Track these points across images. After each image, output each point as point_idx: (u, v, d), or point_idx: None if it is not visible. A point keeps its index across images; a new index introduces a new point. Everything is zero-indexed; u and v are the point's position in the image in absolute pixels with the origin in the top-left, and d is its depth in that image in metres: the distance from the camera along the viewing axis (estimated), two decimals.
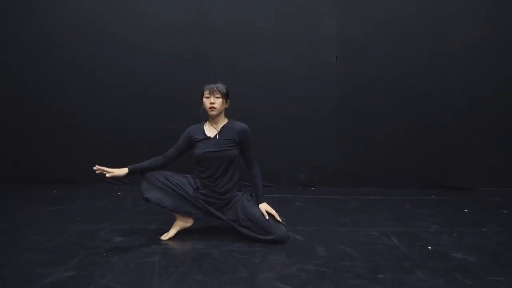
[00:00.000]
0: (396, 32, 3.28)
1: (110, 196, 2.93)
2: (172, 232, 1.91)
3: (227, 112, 1.96)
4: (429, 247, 1.74)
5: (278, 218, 1.82)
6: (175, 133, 1.99)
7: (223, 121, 1.91)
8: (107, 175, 1.74)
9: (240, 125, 1.88)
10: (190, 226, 1.96)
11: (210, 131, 1.88)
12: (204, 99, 1.86)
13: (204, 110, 1.88)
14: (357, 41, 3.30)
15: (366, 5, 3.29)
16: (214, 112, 1.84)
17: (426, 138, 3.32)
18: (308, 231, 2.00)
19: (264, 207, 1.84)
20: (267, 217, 1.79)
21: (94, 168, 1.73)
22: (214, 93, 1.83)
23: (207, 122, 1.92)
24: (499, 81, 3.26)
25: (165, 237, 1.88)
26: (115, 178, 1.87)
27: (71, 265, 1.51)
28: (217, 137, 1.85)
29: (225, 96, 1.88)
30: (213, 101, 1.82)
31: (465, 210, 2.54)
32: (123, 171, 1.79)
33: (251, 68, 3.33)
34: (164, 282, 1.36)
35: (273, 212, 1.82)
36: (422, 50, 3.28)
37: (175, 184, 1.83)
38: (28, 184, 3.29)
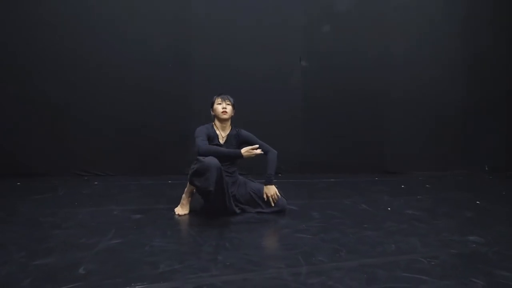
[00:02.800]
0: (354, 36, 3.92)
1: (90, 186, 2.92)
2: (186, 208, 2.13)
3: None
4: (389, 208, 2.35)
5: (278, 195, 2.16)
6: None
7: (229, 128, 2.23)
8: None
9: (242, 132, 2.23)
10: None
11: (220, 137, 2.19)
12: (216, 105, 2.17)
13: (215, 116, 2.17)
14: (321, 44, 3.86)
15: (329, 6, 3.88)
16: (226, 116, 2.15)
17: (369, 132, 4.06)
18: (298, 204, 2.44)
19: (266, 190, 2.13)
20: (265, 199, 2.12)
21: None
22: (226, 100, 2.17)
23: (215, 125, 2.21)
24: (432, 72, 4.12)
25: (181, 211, 2.10)
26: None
27: (112, 235, 1.66)
28: (224, 145, 2.17)
29: (234, 105, 2.23)
30: (225, 107, 2.15)
31: (402, 186, 3.31)
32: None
33: (226, 65, 3.64)
34: (207, 239, 1.64)
35: (274, 196, 2.12)
36: (370, 51, 3.96)
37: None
38: None
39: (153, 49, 3.48)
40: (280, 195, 2.21)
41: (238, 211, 2.10)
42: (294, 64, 3.86)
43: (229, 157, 2.10)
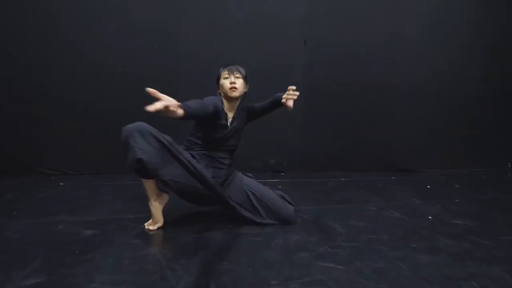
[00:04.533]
0: (359, 28, 3.38)
1: (52, 187, 2.32)
2: (159, 218, 1.54)
3: None
4: (429, 217, 1.79)
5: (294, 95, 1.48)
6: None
7: (236, 109, 1.65)
8: (159, 105, 1.10)
9: (245, 107, 1.69)
10: (166, 203, 1.58)
11: (228, 117, 1.63)
12: (223, 80, 1.59)
13: (224, 94, 1.59)
14: (325, 39, 3.32)
15: (332, 4, 3.34)
16: (235, 93, 1.57)
17: (381, 126, 3.53)
18: (311, 210, 1.87)
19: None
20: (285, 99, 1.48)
21: (149, 89, 1.10)
22: (235, 72, 1.58)
23: (224, 105, 1.61)
24: (441, 69, 3.63)
25: (152, 226, 1.51)
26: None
27: (32, 269, 1.06)
28: (229, 126, 1.62)
29: (246, 78, 1.64)
30: (234, 81, 1.56)
31: (428, 186, 2.77)
32: (178, 112, 1.19)
33: (223, 58, 3.05)
34: (182, 275, 1.05)
35: (292, 91, 1.49)
36: (378, 45, 3.43)
37: (177, 151, 1.41)
38: None
39: (136, 30, 2.88)
40: (285, 199, 1.66)
41: (232, 203, 1.57)
42: (295, 53, 3.28)
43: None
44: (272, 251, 1.27)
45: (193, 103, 1.32)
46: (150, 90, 1.09)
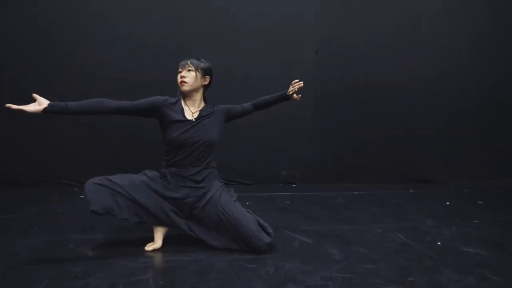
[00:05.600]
0: (375, 32, 3.27)
1: (70, 200, 2.48)
2: (158, 241, 1.60)
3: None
4: (438, 243, 1.70)
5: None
6: None
7: (200, 104, 1.64)
8: (13, 107, 1.32)
9: (221, 107, 1.70)
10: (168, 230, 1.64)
11: (187, 113, 1.60)
12: (178, 75, 1.60)
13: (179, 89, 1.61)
14: (337, 40, 3.25)
15: (345, 5, 3.25)
16: (185, 88, 1.57)
17: (400, 135, 3.39)
18: (312, 231, 1.85)
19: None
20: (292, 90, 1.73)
21: (6, 105, 1.32)
22: (186, 66, 1.58)
23: (182, 100, 1.63)
24: (469, 77, 3.43)
25: (150, 247, 1.57)
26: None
27: None
28: (194, 120, 1.58)
29: (203, 71, 1.60)
30: (184, 75, 1.56)
31: (447, 203, 2.62)
32: (40, 106, 1.36)
33: (233, 63, 3.10)
34: None
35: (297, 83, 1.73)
36: (400, 49, 3.31)
37: (130, 186, 1.50)
38: None
39: (149, 43, 2.98)
40: (263, 227, 1.55)
41: (184, 227, 1.56)
42: (306, 62, 3.22)
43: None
44: (261, 281, 1.26)
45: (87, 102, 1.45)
46: (10, 105, 1.31)
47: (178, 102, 1.61)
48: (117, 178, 1.50)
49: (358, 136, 3.35)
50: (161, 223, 1.57)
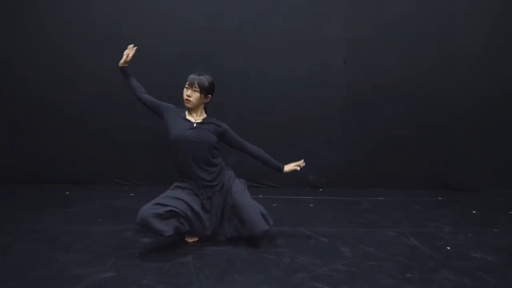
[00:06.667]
0: (402, 34, 3.32)
1: (124, 197, 2.94)
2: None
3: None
4: (448, 247, 1.82)
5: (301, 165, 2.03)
6: None
7: (201, 116, 1.93)
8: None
9: (223, 125, 1.92)
10: None
11: (190, 119, 1.90)
12: (184, 88, 1.87)
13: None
14: (364, 42, 3.33)
15: (373, 7, 3.33)
16: (188, 105, 1.85)
17: (431, 139, 3.38)
18: (329, 232, 2.06)
19: (287, 168, 2.00)
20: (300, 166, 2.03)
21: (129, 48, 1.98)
22: (193, 86, 1.83)
23: (187, 111, 1.93)
24: (505, 83, 3.33)
25: (191, 239, 1.92)
26: None
27: (108, 266, 1.55)
28: (195, 126, 1.86)
29: (206, 91, 1.86)
30: (190, 94, 1.83)
31: (473, 211, 2.64)
32: (124, 62, 1.97)
33: (260, 69, 3.34)
34: (203, 282, 1.41)
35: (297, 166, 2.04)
36: (428, 52, 3.31)
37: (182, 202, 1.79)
38: (31, 184, 3.22)
39: (183, 57, 3.31)
40: (265, 217, 1.80)
41: (208, 232, 1.85)
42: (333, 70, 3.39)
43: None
44: (277, 268, 1.54)
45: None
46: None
47: (183, 110, 1.94)
48: (164, 200, 1.75)
49: (387, 141, 3.37)
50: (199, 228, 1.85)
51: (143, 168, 3.45)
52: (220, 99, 3.30)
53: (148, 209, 1.68)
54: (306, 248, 1.80)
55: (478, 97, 3.35)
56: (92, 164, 3.40)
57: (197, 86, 1.83)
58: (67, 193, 3.03)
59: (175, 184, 1.91)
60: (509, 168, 3.35)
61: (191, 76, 1.86)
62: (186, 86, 1.87)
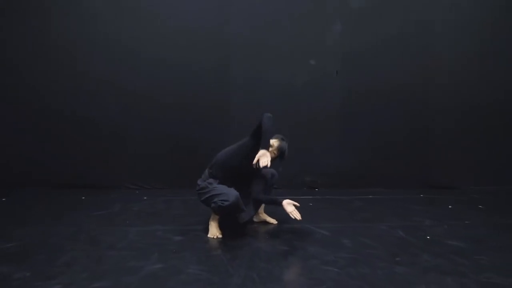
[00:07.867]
0: (395, 43, 3.75)
1: (139, 201, 3.20)
2: (217, 231, 2.27)
3: None
4: (428, 237, 2.23)
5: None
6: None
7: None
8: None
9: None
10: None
11: None
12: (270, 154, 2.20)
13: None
14: (359, 53, 3.74)
15: (368, 20, 3.75)
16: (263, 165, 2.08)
17: (414, 144, 3.84)
18: (331, 227, 2.44)
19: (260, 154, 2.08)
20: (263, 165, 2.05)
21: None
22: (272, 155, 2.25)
23: None
24: (480, 92, 3.81)
25: (213, 235, 2.25)
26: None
27: (155, 260, 1.86)
28: None
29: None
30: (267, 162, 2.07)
31: (449, 207, 3.09)
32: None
33: (259, 75, 3.72)
34: (238, 269, 1.75)
35: (262, 162, 2.04)
36: (416, 60, 3.76)
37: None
38: (44, 188, 3.47)
39: (191, 67, 3.63)
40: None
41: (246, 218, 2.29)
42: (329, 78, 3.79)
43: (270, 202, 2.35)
44: (293, 257, 1.92)
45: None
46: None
47: None
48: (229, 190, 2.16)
49: (377, 145, 3.80)
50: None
51: (152, 173, 3.73)
52: (226, 105, 3.67)
53: (238, 195, 2.10)
54: (313, 240, 2.17)
55: (457, 106, 3.80)
56: (105, 170, 3.66)
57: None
58: (83, 198, 3.28)
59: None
60: (482, 167, 3.85)
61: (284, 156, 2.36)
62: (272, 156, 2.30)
